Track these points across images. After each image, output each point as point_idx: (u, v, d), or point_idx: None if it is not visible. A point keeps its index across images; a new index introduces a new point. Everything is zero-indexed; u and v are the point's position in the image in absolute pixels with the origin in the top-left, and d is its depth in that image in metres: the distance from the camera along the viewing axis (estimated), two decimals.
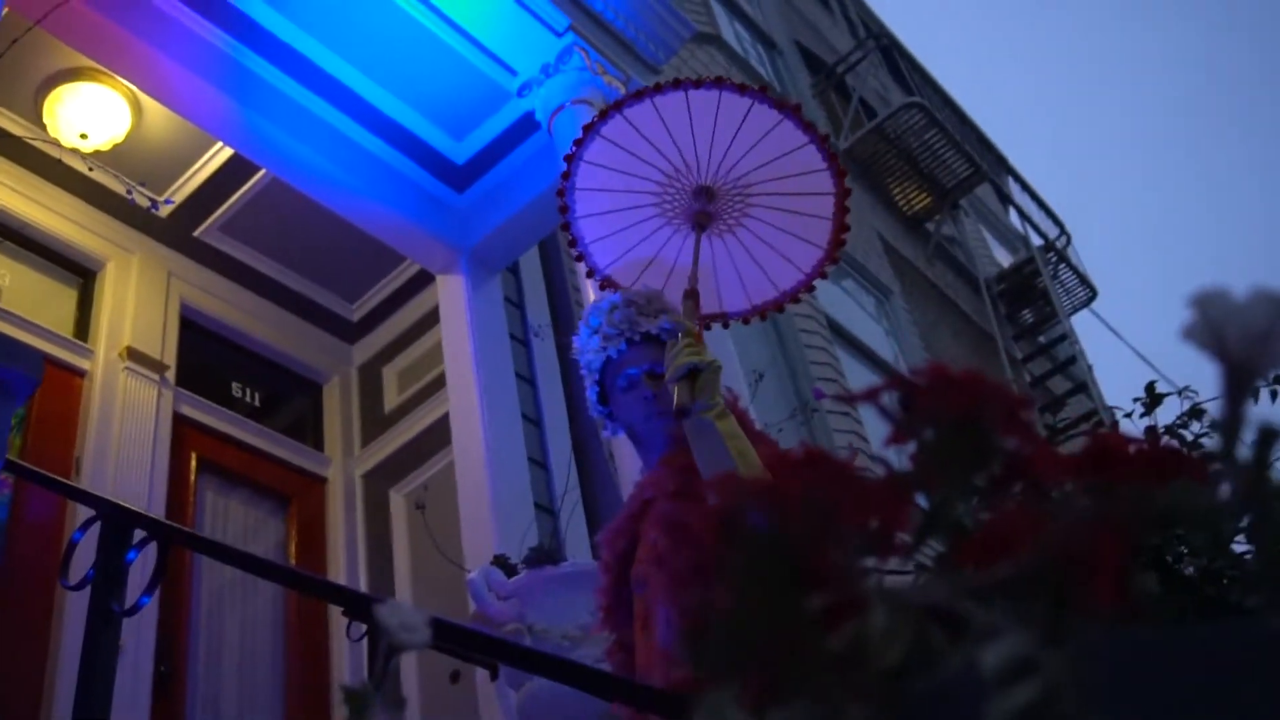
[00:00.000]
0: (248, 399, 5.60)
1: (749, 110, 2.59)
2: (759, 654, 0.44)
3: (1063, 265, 12.75)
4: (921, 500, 0.48)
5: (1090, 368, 11.58)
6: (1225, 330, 0.44)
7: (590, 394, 2.42)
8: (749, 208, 2.66)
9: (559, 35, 4.71)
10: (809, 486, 0.46)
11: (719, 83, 2.63)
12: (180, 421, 5.09)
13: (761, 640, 0.44)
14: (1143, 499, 0.44)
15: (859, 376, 7.89)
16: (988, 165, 12.50)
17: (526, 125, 5.02)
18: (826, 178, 2.63)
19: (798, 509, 0.46)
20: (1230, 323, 0.44)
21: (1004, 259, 14.07)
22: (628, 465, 3.72)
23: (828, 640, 0.42)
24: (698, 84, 2.62)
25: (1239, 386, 0.45)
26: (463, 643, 2.55)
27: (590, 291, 4.11)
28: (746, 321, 2.87)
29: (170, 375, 5.11)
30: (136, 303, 5.16)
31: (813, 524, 0.46)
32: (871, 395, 0.51)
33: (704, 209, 2.63)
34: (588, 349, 2.39)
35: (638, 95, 2.67)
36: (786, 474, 0.47)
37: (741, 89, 2.60)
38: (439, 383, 5.36)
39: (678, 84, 2.61)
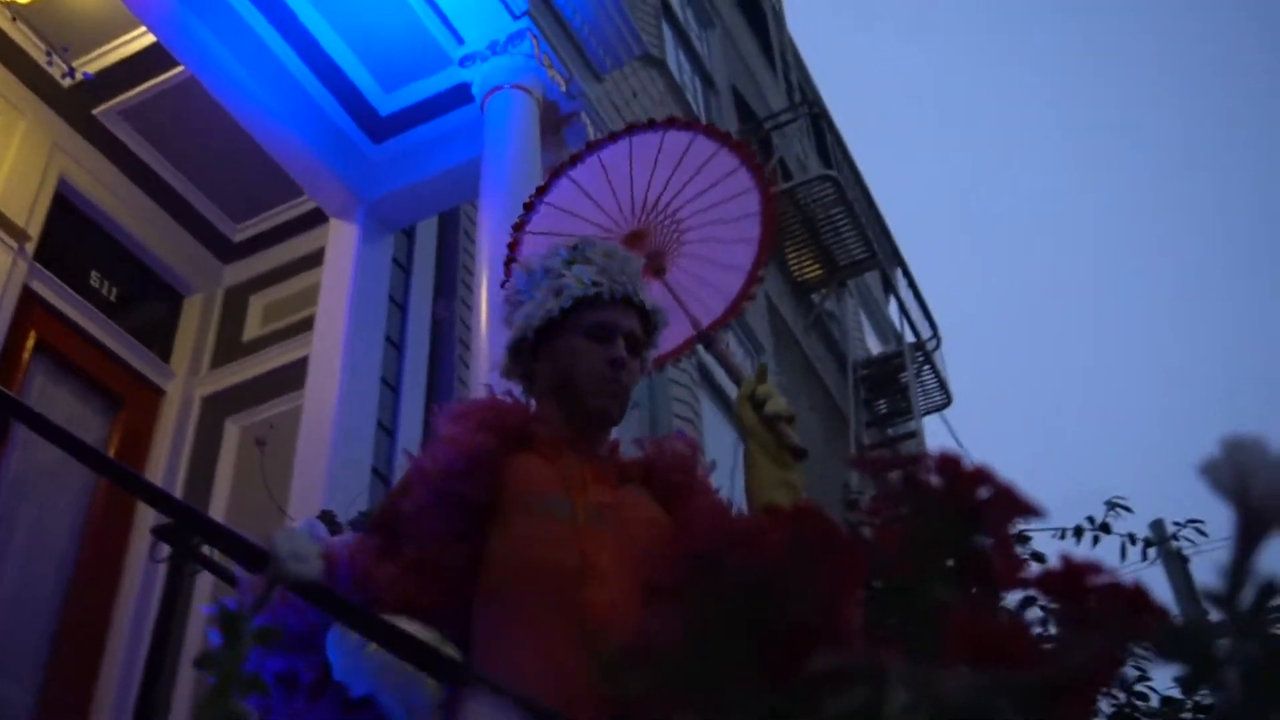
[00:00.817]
0: (105, 291, 5.37)
1: (689, 145, 2.50)
2: (692, 698, 0.43)
3: (927, 366, 13.10)
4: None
5: (887, 452, 11.89)
6: (1251, 479, 0.45)
7: (531, 315, 2.01)
8: (682, 242, 2.49)
9: (515, 17, 4.67)
10: (797, 542, 0.46)
11: (667, 123, 2.50)
12: (28, 297, 4.85)
13: (702, 685, 0.43)
14: (1129, 636, 0.44)
15: (715, 423, 7.96)
16: (883, 254, 12.81)
17: (459, 96, 4.96)
18: (754, 198, 2.53)
19: (782, 562, 0.45)
20: (1258, 473, 0.44)
21: (875, 346, 14.42)
22: None
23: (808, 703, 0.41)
24: (639, 128, 2.49)
25: (1252, 537, 0.45)
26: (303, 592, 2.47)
27: (484, 277, 4.07)
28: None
29: (30, 248, 4.87)
30: (13, 164, 4.91)
31: (795, 580, 0.45)
32: (880, 465, 0.51)
33: (645, 254, 2.39)
34: (566, 271, 2.02)
35: (594, 145, 2.53)
36: (776, 527, 0.47)
37: (688, 125, 2.51)
38: (304, 325, 5.23)
39: (630, 129, 2.49)
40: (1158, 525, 11.08)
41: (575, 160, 2.52)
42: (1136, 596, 0.47)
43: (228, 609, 0.61)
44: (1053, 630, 0.51)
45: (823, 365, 11.71)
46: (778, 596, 0.45)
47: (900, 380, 12.40)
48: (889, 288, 14.44)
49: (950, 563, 0.48)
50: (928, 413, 13.15)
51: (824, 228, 11.43)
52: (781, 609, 0.45)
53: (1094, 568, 0.48)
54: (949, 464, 0.50)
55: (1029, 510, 0.52)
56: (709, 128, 2.55)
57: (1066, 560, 0.49)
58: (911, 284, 14.22)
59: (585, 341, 1.98)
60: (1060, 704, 0.43)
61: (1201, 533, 4.92)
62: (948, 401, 13.40)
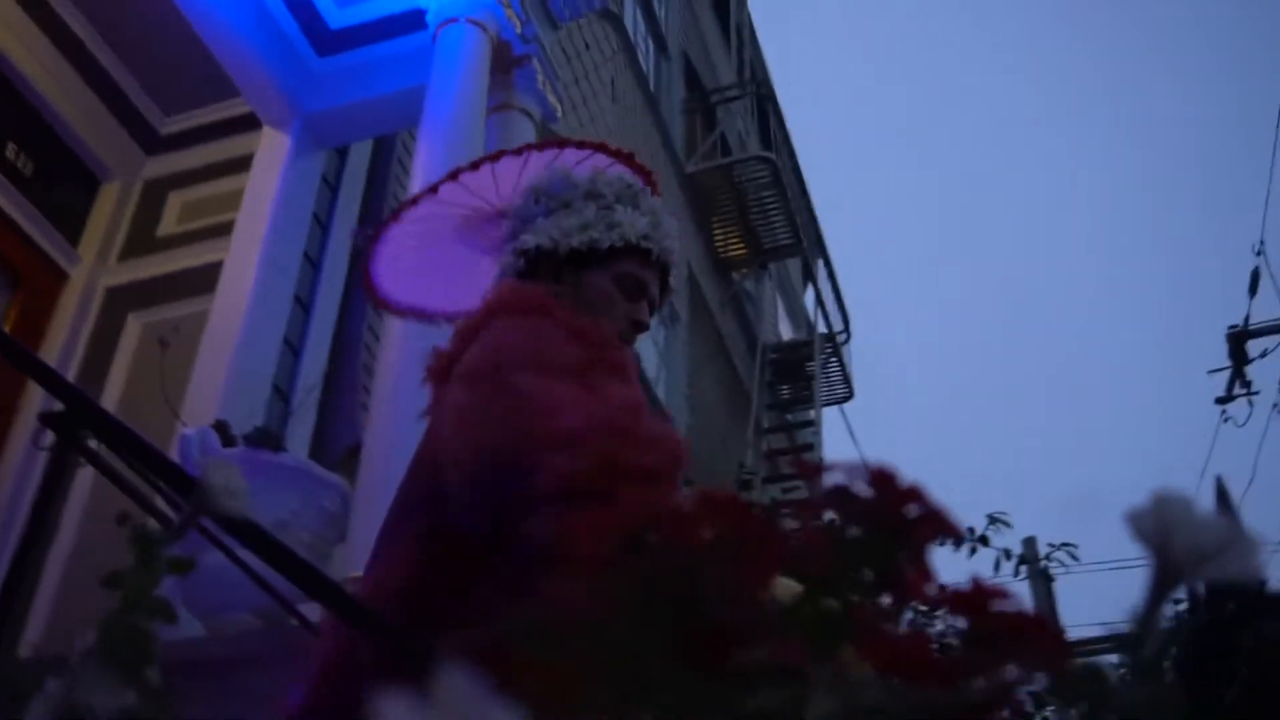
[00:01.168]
0: (20, 165, 5.19)
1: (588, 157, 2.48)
2: (610, 675, 0.44)
3: (834, 359, 13.27)
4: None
5: (821, 460, 12.07)
6: (1172, 535, 0.47)
7: (570, 232, 1.87)
8: None
9: None
10: (727, 529, 0.47)
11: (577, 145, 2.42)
12: None
13: (621, 663, 0.44)
14: (1029, 667, 0.46)
15: None
16: (807, 242, 12.91)
17: (413, 21, 4.88)
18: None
19: (707, 549, 0.46)
20: (1179, 530, 0.47)
21: (787, 332, 14.57)
22: (394, 359, 3.63)
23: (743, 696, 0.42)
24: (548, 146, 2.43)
25: (1164, 590, 0.48)
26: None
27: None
28: None
29: None
30: None
31: (718, 568, 0.46)
32: (814, 470, 0.52)
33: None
34: (618, 206, 1.92)
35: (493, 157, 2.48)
36: (705, 513, 0.47)
37: (580, 145, 2.42)
38: (222, 230, 5.11)
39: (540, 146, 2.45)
40: (1030, 543, 11.40)
41: (475, 166, 2.47)
42: (1038, 627, 0.49)
43: (145, 531, 0.60)
44: (953, 646, 0.53)
45: (733, 343, 11.80)
46: (702, 582, 0.46)
47: (806, 369, 12.55)
48: (809, 276, 14.58)
49: (869, 574, 0.49)
50: (828, 404, 13.34)
51: (754, 208, 11.48)
52: (705, 595, 0.46)
53: (1000, 593, 0.50)
54: (884, 479, 0.51)
55: (953, 533, 0.53)
56: (614, 151, 2.51)
57: (976, 583, 0.50)
58: (831, 276, 14.36)
59: (615, 289, 1.88)
60: None
61: (1074, 556, 5.10)
62: (849, 395, 13.60)
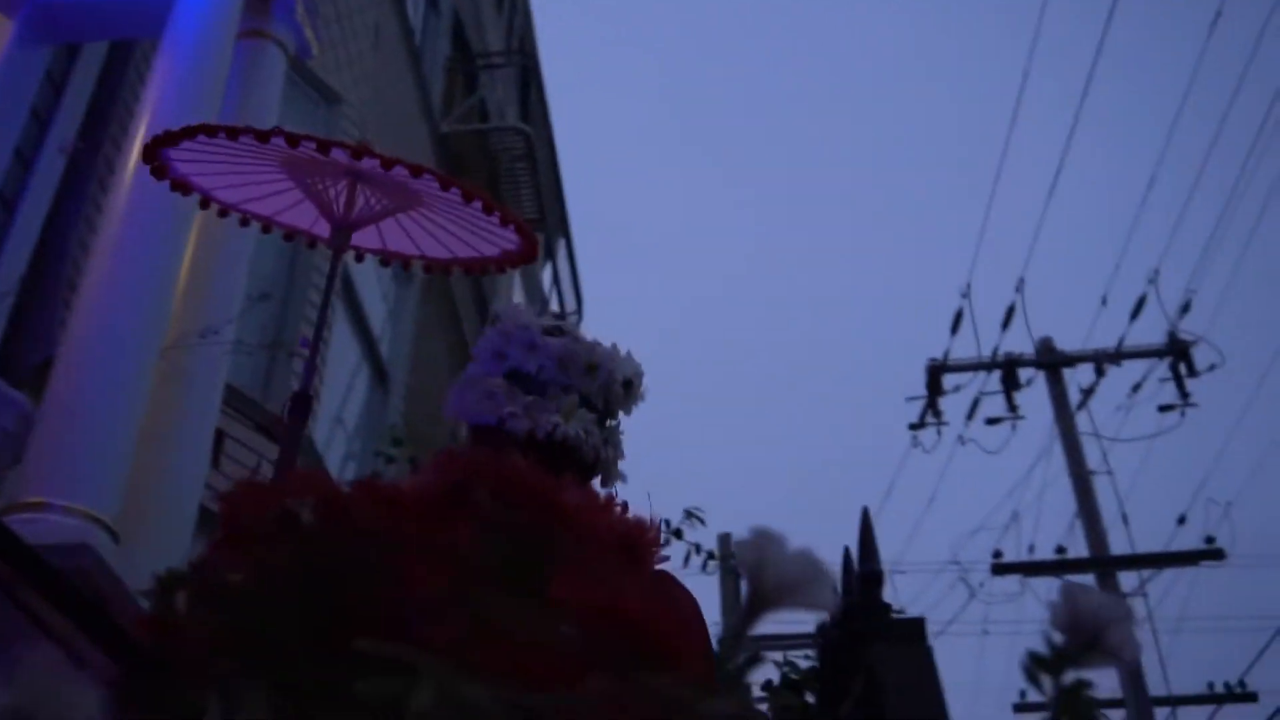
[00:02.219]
0: None
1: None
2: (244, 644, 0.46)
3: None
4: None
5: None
6: (765, 568, 0.54)
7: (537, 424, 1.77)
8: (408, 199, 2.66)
9: None
10: (365, 517, 0.50)
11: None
12: None
13: (258, 633, 0.46)
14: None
15: (343, 338, 7.85)
16: (552, 220, 13.00)
17: None
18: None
19: (352, 534, 0.49)
20: (772, 564, 0.54)
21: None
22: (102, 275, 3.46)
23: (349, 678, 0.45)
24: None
25: (754, 613, 0.54)
26: None
27: (144, 125, 3.83)
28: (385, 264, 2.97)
29: None
30: None
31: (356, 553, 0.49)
32: (486, 468, 0.55)
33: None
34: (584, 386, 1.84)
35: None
36: (361, 502, 0.50)
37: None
38: None
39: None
40: (724, 540, 11.89)
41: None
42: (665, 644, 0.53)
43: None
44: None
45: (465, 310, 11.74)
46: (349, 566, 0.49)
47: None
48: (550, 254, 14.67)
49: (513, 579, 0.53)
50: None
51: (504, 179, 11.47)
52: (350, 579, 0.49)
53: (636, 608, 0.54)
54: (519, 484, 0.55)
55: (604, 548, 0.58)
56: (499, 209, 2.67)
57: (620, 599, 0.55)
58: (571, 256, 14.50)
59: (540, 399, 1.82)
60: None
61: None
62: None
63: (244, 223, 2.92)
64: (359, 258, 2.94)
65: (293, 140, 2.44)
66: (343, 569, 0.50)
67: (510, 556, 0.53)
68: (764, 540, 0.55)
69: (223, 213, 2.86)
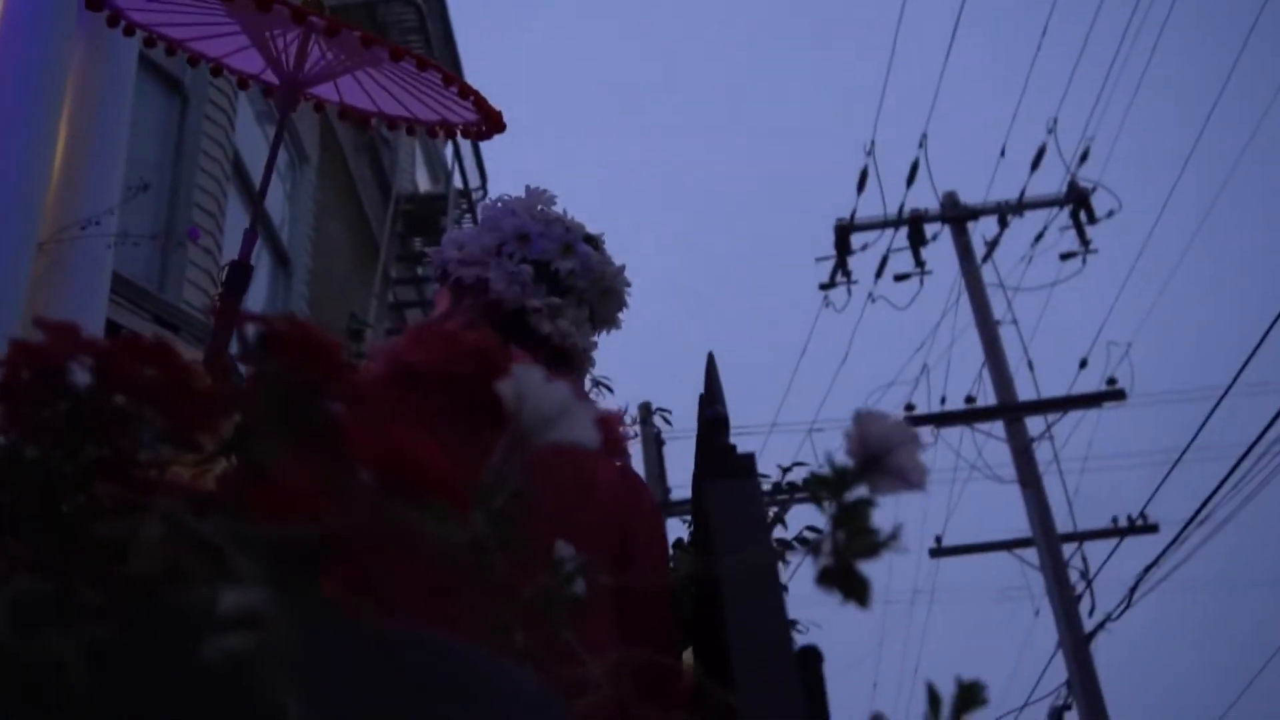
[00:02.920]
0: None
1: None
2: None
3: (469, 214, 13.25)
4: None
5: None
6: (524, 402, 0.54)
7: (504, 291, 1.79)
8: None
9: None
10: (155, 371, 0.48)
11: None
12: None
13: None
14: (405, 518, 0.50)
15: (238, 219, 7.67)
16: None
17: None
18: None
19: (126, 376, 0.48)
20: (530, 398, 0.54)
21: (425, 184, 14.35)
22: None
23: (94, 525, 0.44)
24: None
25: (514, 450, 0.54)
26: None
27: None
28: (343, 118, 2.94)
29: None
30: None
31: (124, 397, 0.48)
32: (240, 320, 0.54)
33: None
34: (560, 265, 1.83)
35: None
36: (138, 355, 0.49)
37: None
38: None
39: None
40: (645, 407, 12.00)
41: None
42: (434, 477, 0.53)
43: None
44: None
45: (365, 189, 11.53)
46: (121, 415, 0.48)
47: (440, 223, 12.45)
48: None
49: (294, 423, 0.52)
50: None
51: None
52: (123, 429, 0.48)
53: (414, 445, 0.54)
54: (299, 334, 0.54)
55: (352, 393, 0.57)
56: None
57: (395, 435, 0.54)
58: None
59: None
60: (325, 565, 0.49)
61: (667, 421, 5.43)
62: None
63: (192, 63, 2.84)
64: (317, 108, 2.91)
65: None
66: (110, 424, 0.50)
67: (286, 402, 0.52)
68: (522, 376, 0.55)
69: (170, 51, 2.76)
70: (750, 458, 0.72)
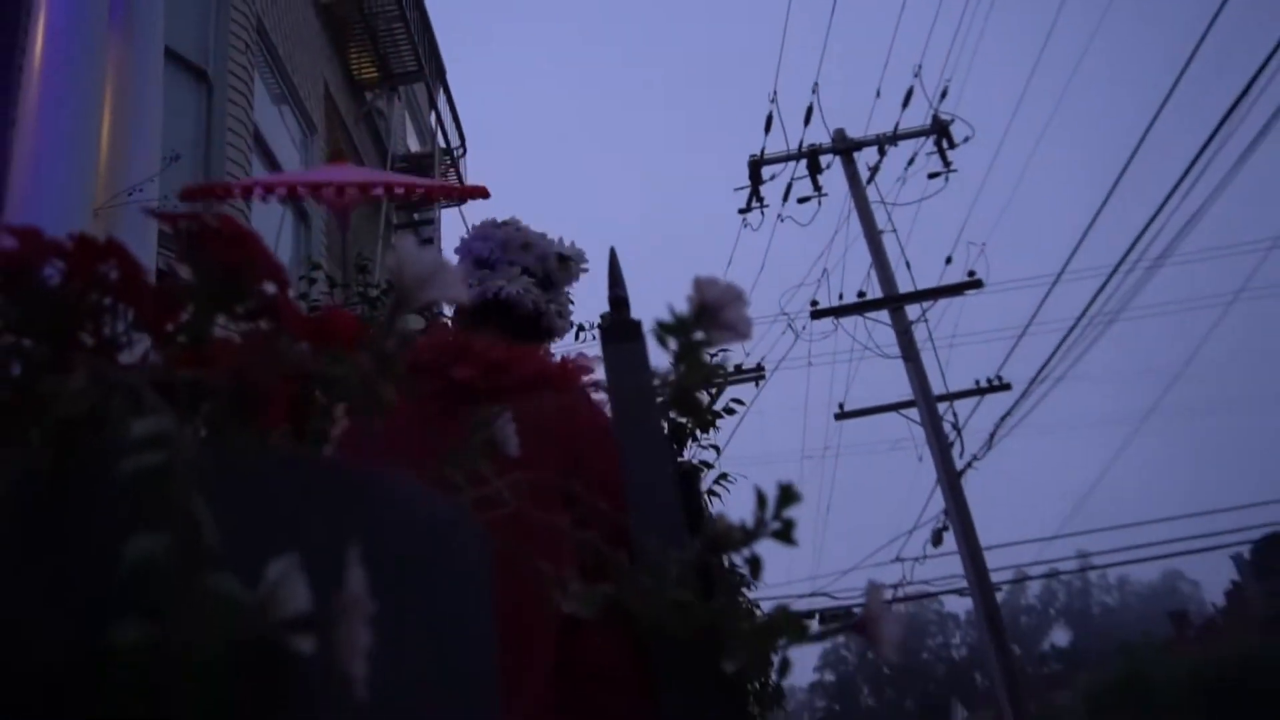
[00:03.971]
0: None
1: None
2: None
3: (452, 169, 13.03)
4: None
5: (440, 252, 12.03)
6: (403, 265, 0.54)
7: (522, 298, 1.85)
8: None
9: None
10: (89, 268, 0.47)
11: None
12: None
13: None
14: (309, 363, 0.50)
15: None
16: (430, 70, 12.40)
17: None
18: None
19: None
20: (407, 260, 0.53)
21: (414, 145, 14.07)
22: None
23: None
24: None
25: (399, 309, 0.54)
26: None
27: None
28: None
29: None
30: None
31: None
32: (176, 218, 0.53)
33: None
34: (557, 276, 1.91)
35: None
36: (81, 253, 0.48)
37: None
38: None
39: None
40: (605, 317, 11.95)
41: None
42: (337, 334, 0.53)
43: None
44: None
45: (366, 153, 11.28)
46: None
47: (430, 175, 12.24)
48: (431, 100, 14.07)
49: (230, 306, 0.51)
50: (446, 206, 13.15)
51: (384, 35, 10.85)
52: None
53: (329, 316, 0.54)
54: (221, 228, 0.52)
55: (275, 273, 0.56)
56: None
57: (332, 311, 0.54)
58: (450, 101, 13.93)
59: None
60: (248, 412, 0.48)
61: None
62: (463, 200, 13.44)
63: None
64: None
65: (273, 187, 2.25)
66: (82, 314, 0.49)
67: (220, 284, 0.51)
68: (399, 247, 0.55)
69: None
70: (637, 324, 0.73)
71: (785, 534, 0.61)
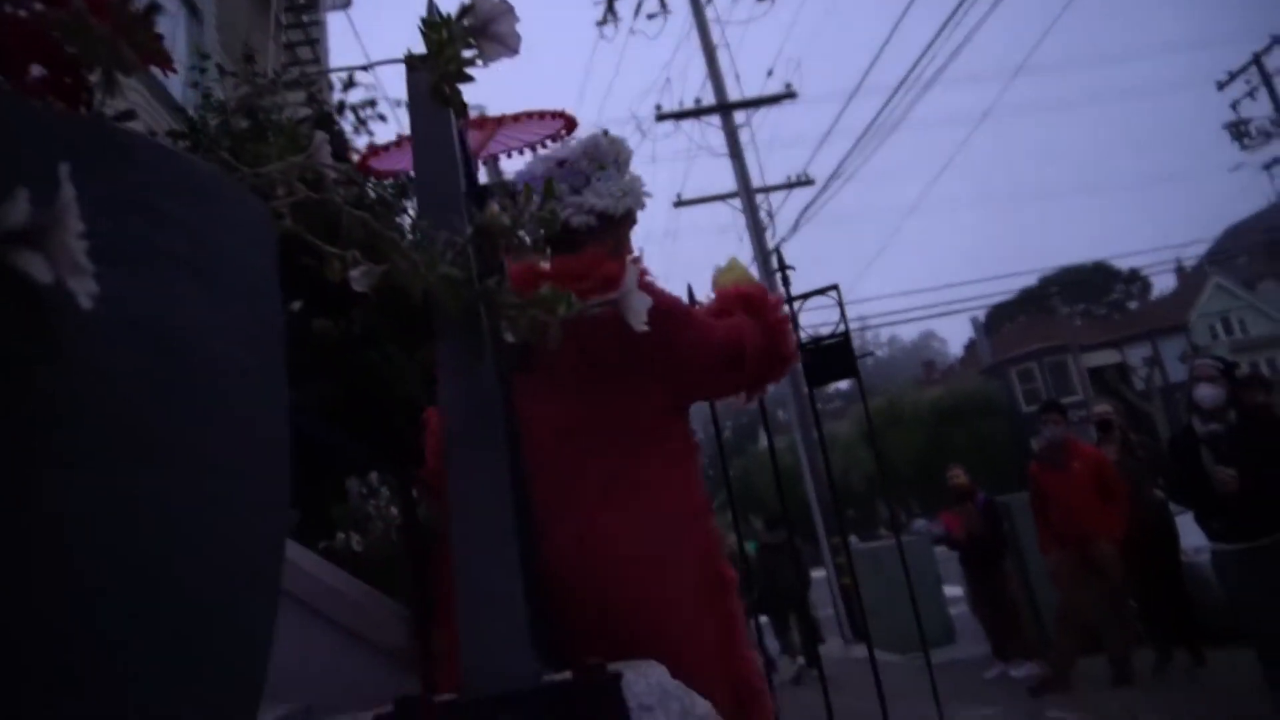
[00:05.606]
0: None
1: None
2: None
3: None
4: None
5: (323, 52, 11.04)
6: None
7: (616, 200, 1.50)
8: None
9: None
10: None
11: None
12: None
13: None
14: None
15: None
16: None
17: None
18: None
19: None
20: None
21: None
22: None
23: None
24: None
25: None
26: None
27: None
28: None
29: None
30: None
31: None
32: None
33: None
34: (626, 173, 1.55)
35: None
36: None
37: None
38: None
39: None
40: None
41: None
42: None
43: None
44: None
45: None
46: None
47: None
48: None
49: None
50: (333, 9, 11.98)
51: None
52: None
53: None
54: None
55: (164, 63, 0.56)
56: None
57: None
58: None
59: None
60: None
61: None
62: (348, 3, 12.25)
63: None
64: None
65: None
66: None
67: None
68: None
69: None
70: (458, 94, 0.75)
71: (549, 222, 0.69)
